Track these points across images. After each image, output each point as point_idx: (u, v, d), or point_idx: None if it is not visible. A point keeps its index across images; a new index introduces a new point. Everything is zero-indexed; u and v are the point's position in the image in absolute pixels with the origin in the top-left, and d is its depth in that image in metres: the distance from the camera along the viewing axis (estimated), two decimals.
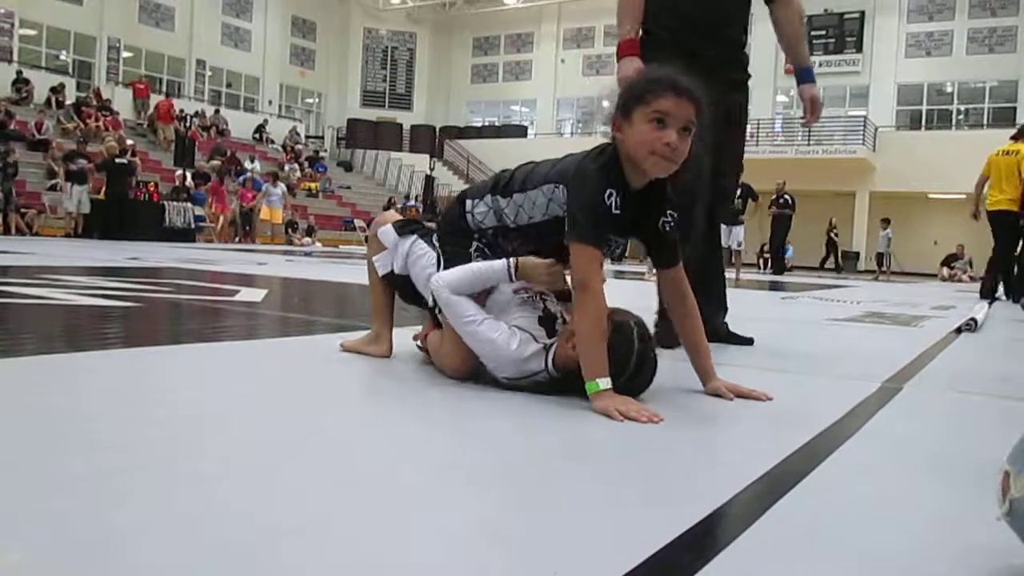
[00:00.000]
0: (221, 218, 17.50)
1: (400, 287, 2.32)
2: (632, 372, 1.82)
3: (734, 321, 3.15)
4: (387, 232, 2.31)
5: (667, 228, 2.01)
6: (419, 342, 2.37)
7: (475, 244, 2.11)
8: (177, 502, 1.04)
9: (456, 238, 2.13)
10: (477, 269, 2.01)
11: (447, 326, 2.04)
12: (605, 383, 1.75)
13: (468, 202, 2.14)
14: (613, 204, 1.85)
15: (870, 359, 2.53)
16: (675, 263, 2.07)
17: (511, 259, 1.97)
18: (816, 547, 1.02)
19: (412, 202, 25.16)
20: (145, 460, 1.23)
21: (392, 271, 2.29)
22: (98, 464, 1.18)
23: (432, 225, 2.34)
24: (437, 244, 2.19)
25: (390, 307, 2.41)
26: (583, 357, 1.79)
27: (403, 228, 2.30)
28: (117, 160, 14.52)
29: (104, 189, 14.72)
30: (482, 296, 2.03)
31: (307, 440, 1.43)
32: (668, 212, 2.01)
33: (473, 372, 2.02)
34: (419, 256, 2.22)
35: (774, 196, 13.24)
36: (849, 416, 1.90)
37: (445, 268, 2.07)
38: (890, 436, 1.77)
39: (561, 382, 1.88)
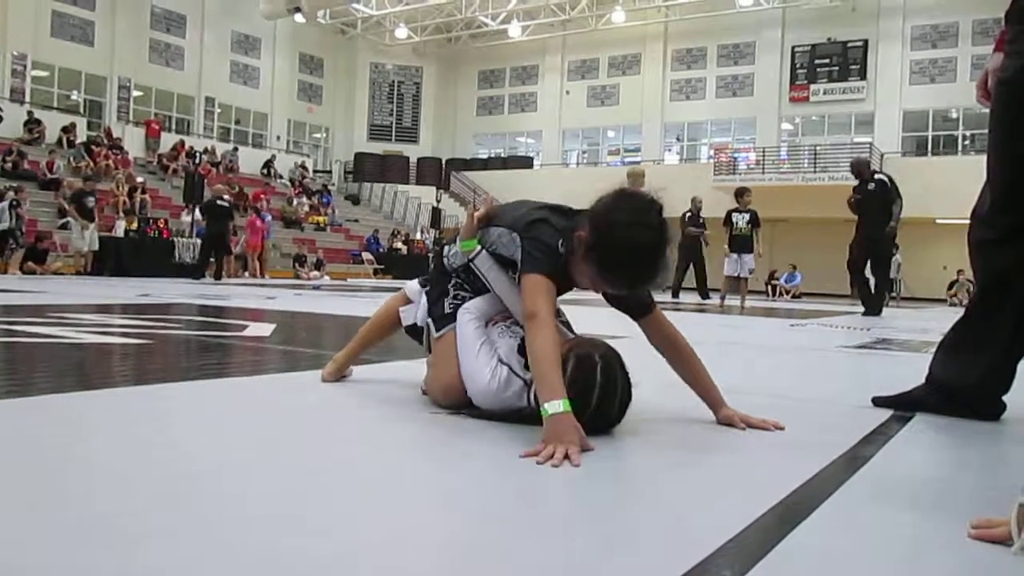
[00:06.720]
0: (248, 253, 17.51)
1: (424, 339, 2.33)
2: (595, 406, 1.79)
3: (744, 348, 3.13)
4: (411, 285, 2.40)
5: None
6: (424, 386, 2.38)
7: (453, 280, 2.19)
8: (190, 537, 1.04)
9: (439, 276, 2.25)
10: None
11: (435, 355, 2.12)
12: (557, 406, 1.67)
13: (446, 247, 2.28)
14: (561, 249, 1.91)
15: (881, 386, 2.52)
16: (649, 311, 2.07)
17: None
18: None
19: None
20: (155, 496, 1.23)
21: (415, 323, 2.32)
22: (106, 503, 1.18)
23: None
24: (425, 288, 2.29)
25: (364, 345, 2.53)
26: (538, 381, 1.75)
27: (425, 280, 2.37)
28: (219, 202, 14.73)
29: (207, 228, 14.90)
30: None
31: (318, 474, 1.43)
32: None
33: (463, 400, 2.02)
34: None
35: (689, 214, 12.46)
36: (861, 445, 1.88)
37: (431, 306, 2.20)
38: (902, 466, 1.75)
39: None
